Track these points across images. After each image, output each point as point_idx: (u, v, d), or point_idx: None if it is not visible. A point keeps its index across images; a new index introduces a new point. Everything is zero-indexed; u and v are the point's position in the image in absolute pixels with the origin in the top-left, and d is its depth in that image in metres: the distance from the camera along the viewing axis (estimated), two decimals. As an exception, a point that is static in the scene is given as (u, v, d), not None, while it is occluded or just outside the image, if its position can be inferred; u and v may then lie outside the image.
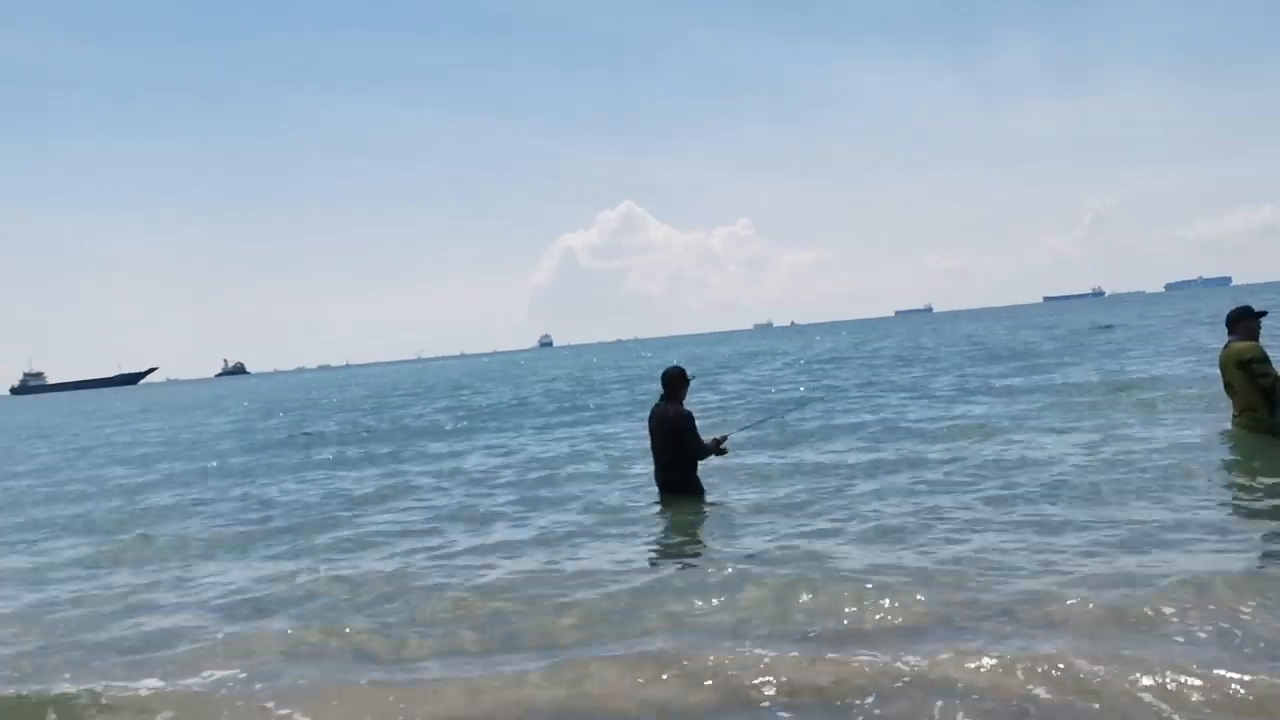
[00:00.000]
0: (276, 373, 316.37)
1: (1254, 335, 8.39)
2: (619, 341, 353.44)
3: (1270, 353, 8.44)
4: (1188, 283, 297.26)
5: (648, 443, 8.75)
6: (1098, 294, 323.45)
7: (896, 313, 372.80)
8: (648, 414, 8.77)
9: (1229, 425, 8.87)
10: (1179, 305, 76.11)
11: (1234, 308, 8.66)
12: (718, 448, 8.48)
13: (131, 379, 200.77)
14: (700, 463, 8.65)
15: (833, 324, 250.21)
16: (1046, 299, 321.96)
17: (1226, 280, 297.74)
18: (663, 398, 8.54)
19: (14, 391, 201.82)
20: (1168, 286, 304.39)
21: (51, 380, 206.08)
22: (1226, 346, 8.53)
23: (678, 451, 8.43)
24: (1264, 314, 8.45)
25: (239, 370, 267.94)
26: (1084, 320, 54.52)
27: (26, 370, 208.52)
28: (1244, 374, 8.31)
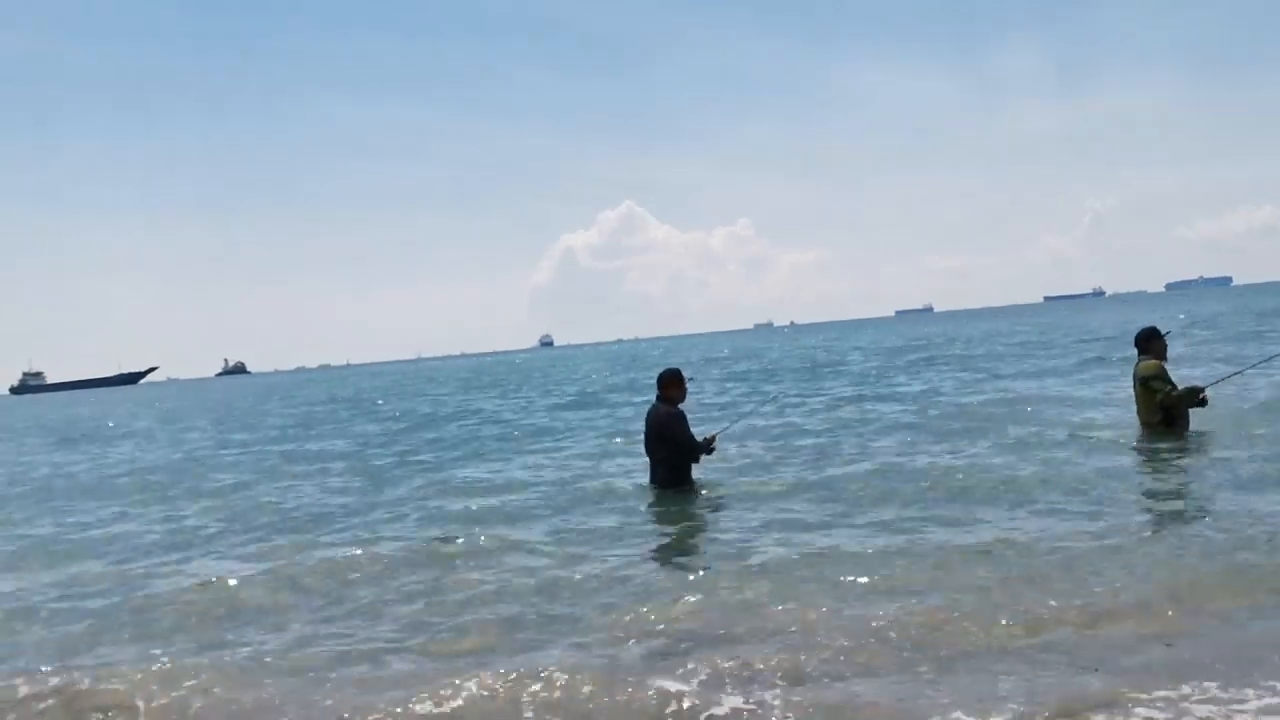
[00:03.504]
0: (277, 372, 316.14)
1: (1163, 355, 9.18)
2: (620, 341, 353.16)
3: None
4: (1188, 282, 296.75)
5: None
6: (1098, 294, 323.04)
7: (897, 313, 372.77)
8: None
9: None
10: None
11: (1143, 329, 9.38)
12: (708, 447, 8.56)
13: (131, 378, 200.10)
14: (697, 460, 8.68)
15: (840, 324, 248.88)
16: (1047, 299, 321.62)
17: (1227, 280, 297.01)
18: (658, 398, 8.60)
19: (13, 391, 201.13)
20: (1168, 286, 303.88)
21: (51, 380, 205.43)
22: (1136, 365, 9.31)
23: (667, 451, 8.52)
24: (1168, 333, 9.35)
25: (239, 370, 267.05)
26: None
27: (26, 370, 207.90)
28: (1144, 390, 9.15)
